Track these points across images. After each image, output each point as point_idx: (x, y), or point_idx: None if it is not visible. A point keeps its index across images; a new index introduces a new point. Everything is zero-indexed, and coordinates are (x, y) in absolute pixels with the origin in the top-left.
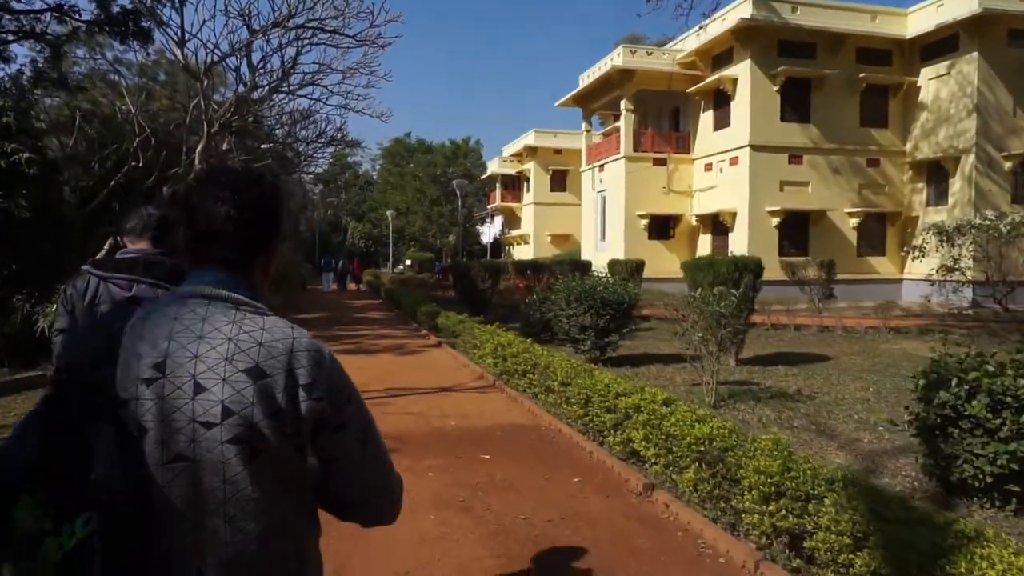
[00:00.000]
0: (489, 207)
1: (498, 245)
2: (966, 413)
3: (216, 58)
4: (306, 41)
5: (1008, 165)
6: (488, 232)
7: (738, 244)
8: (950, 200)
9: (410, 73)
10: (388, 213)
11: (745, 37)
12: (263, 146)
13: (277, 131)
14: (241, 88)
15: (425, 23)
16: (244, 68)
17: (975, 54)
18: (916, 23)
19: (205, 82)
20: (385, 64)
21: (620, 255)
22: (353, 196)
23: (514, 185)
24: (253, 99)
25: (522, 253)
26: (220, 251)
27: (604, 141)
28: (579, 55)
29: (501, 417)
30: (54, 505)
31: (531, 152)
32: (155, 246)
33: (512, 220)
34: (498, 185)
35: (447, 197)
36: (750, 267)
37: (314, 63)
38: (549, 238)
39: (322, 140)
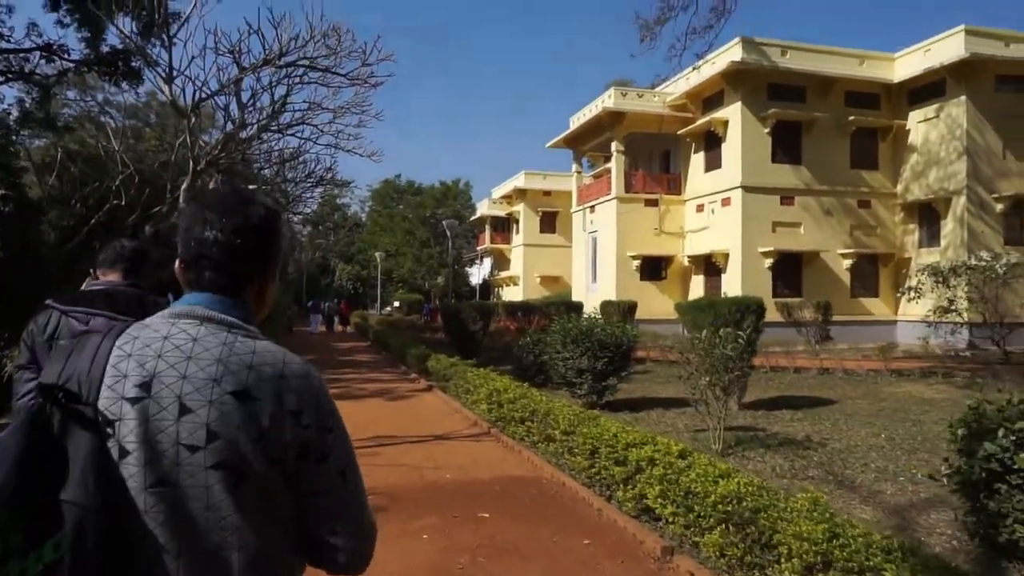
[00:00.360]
0: (478, 248)
1: (487, 287)
2: (1015, 467)
3: (205, 95)
4: (297, 80)
5: (999, 207)
6: (477, 274)
7: (731, 285)
8: (943, 241)
9: (400, 116)
10: (377, 255)
11: (735, 80)
12: (251, 187)
13: (265, 171)
14: (229, 126)
15: (414, 65)
16: (233, 106)
17: (963, 98)
18: (903, 68)
19: (192, 119)
20: (376, 105)
21: (612, 296)
22: (341, 238)
23: (504, 227)
24: (241, 137)
25: (512, 295)
26: (211, 274)
27: (595, 182)
28: (567, 99)
29: (498, 468)
30: (27, 525)
31: (521, 194)
32: (125, 277)
33: (502, 262)
34: (488, 227)
35: (436, 239)
36: (752, 308)
37: (304, 102)
38: (539, 279)
39: (311, 180)
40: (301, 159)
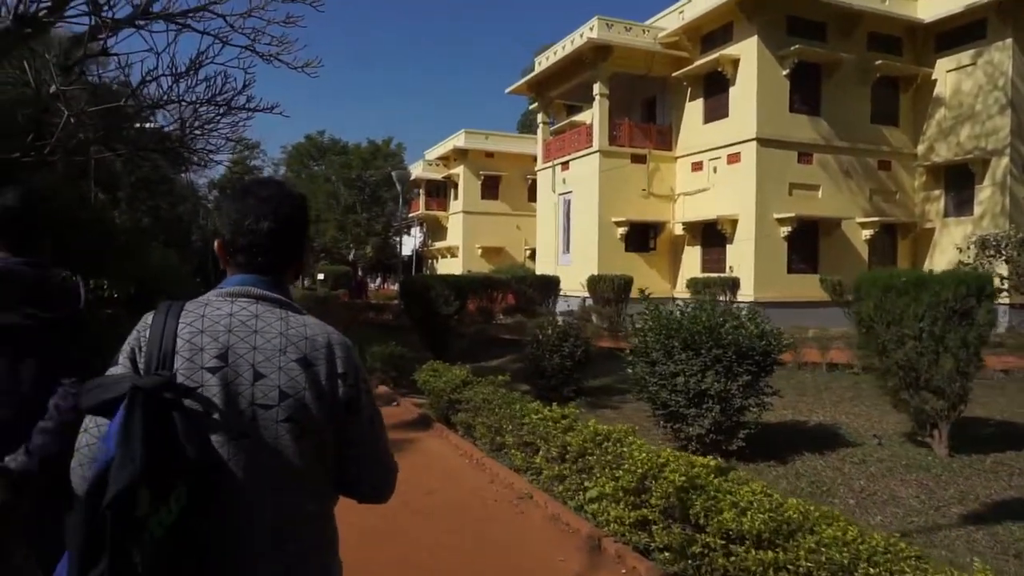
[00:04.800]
0: (412, 215)
1: (420, 258)
2: None
3: None
4: None
5: None
6: (407, 244)
7: (740, 258)
8: (976, 209)
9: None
10: None
11: (751, 8)
12: (138, 126)
13: (151, 85)
14: None
15: (343, 24)
16: None
17: (1009, 40)
18: (933, 6)
19: None
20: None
21: (591, 270)
22: None
23: (440, 192)
24: (104, 13)
25: (449, 267)
26: (263, 259)
27: (569, 134)
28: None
29: None
30: (155, 487)
31: (460, 155)
32: (17, 251)
33: (437, 230)
34: (422, 191)
35: (364, 204)
36: (986, 290)
37: None
38: (480, 251)
39: (218, 103)
40: (201, 71)
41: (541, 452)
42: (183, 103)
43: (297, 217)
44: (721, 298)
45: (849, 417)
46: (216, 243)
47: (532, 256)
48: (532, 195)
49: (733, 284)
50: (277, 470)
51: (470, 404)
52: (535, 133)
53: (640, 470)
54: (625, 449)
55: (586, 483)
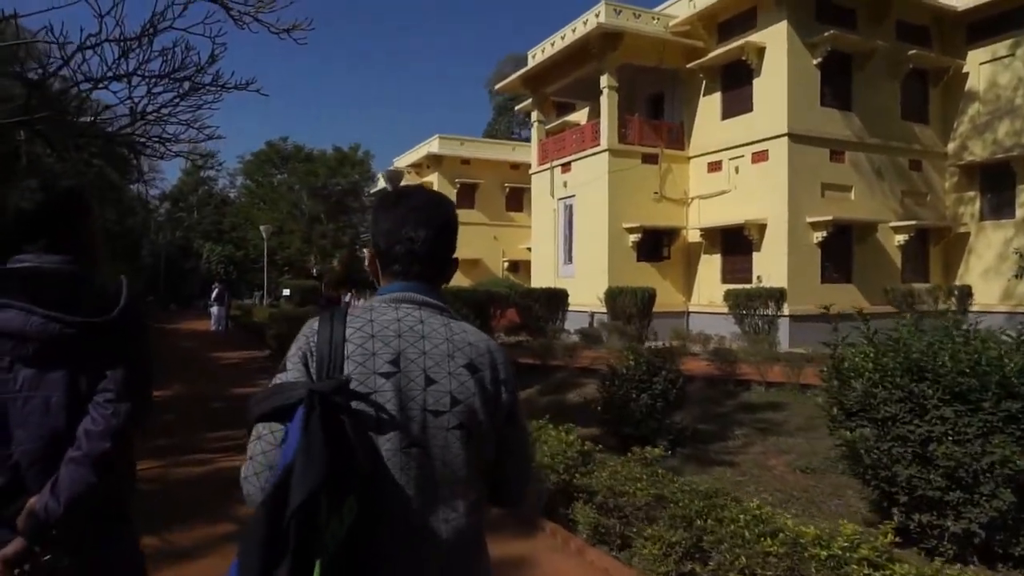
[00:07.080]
0: None
1: None
2: None
3: None
4: None
5: None
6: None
7: (769, 267)
8: (1018, 212)
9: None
10: (262, 228)
11: None
12: (78, 120)
13: (91, 59)
14: None
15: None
16: None
17: None
18: None
19: None
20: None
21: (599, 281)
22: (207, 215)
23: None
24: None
25: None
26: (419, 267)
27: (570, 132)
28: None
29: None
30: (328, 496)
31: (435, 161)
32: (55, 248)
33: None
34: None
35: (330, 214)
36: None
37: None
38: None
39: (178, 80)
40: (157, 41)
41: None
42: (133, 78)
43: (451, 224)
44: (765, 312)
45: None
46: (368, 254)
47: (511, 268)
48: (511, 204)
49: (780, 296)
50: (446, 480)
51: (617, 500)
52: (503, 142)
53: None
54: None
55: None
